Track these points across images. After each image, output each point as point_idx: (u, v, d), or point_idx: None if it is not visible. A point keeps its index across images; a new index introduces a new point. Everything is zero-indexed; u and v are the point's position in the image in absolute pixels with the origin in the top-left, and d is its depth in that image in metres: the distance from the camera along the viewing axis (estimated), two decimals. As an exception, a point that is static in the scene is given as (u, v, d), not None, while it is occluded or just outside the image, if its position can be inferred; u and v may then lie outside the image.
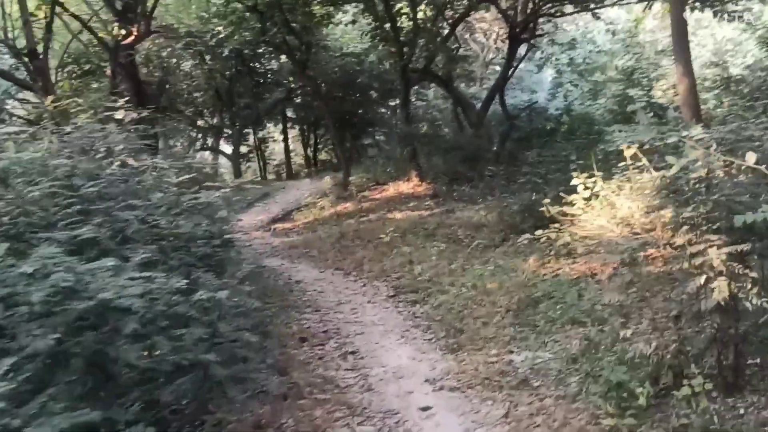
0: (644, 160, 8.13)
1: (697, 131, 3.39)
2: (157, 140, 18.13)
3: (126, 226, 4.54)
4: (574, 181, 8.35)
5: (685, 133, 3.48)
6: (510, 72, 19.26)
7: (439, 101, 25.94)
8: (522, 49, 20.96)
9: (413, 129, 18.06)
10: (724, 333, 3.98)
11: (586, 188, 8.27)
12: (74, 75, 23.30)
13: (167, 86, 25.87)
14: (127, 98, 17.35)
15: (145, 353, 3.54)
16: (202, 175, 7.81)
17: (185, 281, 3.81)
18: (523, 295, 6.80)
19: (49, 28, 13.38)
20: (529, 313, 6.35)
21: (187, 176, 6.99)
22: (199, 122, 28.78)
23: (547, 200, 8.63)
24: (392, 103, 27.57)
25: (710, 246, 3.89)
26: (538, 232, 8.01)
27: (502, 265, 8.31)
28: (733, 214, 3.74)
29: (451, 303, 7.18)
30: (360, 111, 26.30)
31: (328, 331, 6.84)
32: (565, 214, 8.44)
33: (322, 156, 31.39)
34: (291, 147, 31.88)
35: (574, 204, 8.32)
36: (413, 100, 26.94)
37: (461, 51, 23.55)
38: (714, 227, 3.91)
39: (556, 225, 8.38)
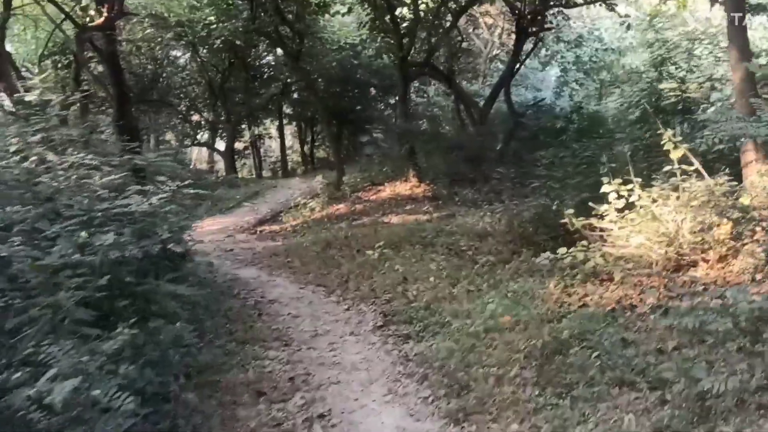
0: (696, 164, 6.47)
1: None
2: (137, 133, 16.42)
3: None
4: (605, 188, 6.67)
5: None
6: (516, 67, 17.52)
7: (439, 98, 24.23)
8: (529, 45, 19.29)
9: (412, 126, 16.36)
10: None
11: (620, 197, 6.59)
12: (59, 65, 21.64)
13: (161, 79, 24.20)
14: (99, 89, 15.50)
15: None
16: (141, 173, 6.10)
17: None
18: (546, 336, 5.07)
19: (7, 6, 11.64)
20: (558, 365, 4.62)
21: (117, 176, 5.30)
22: (194, 117, 27.07)
23: (569, 210, 6.95)
24: (392, 101, 25.97)
25: None
26: (561, 250, 6.31)
27: (516, 289, 6.57)
28: None
29: (453, 342, 5.46)
30: (358, 107, 24.64)
31: (295, 378, 5.12)
32: (593, 228, 6.76)
33: (320, 153, 29.70)
34: (288, 144, 30.19)
35: (605, 215, 6.63)
36: (413, 96, 25.30)
37: (464, 45, 21.84)
38: None
39: (582, 241, 6.70)
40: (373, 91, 25.38)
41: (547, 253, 6.24)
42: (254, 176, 27.77)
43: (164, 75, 24.48)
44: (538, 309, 5.85)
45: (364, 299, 7.29)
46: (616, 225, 6.44)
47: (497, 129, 18.38)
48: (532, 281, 6.80)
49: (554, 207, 8.04)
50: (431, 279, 7.44)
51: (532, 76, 27.22)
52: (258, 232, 13.94)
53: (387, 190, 15.65)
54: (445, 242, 9.40)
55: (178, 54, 26.29)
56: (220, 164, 28.40)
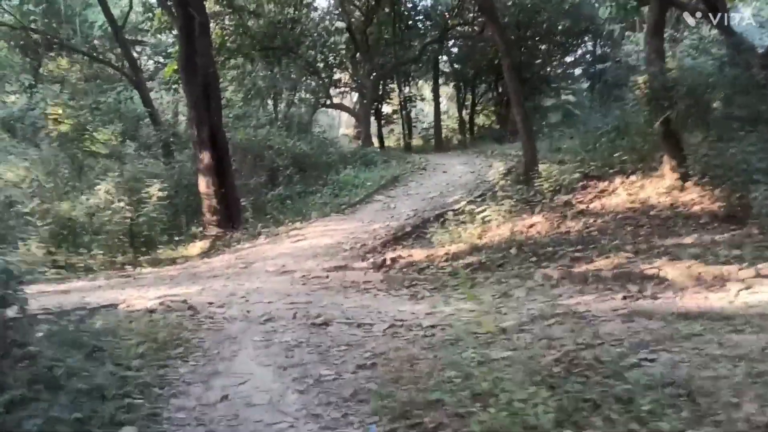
0: None
1: None
2: (215, 81, 9.83)
3: None
4: None
5: None
6: None
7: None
8: None
9: (670, 81, 8.10)
10: None
11: None
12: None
13: (293, 25, 17.46)
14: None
15: None
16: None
17: None
18: None
19: None
20: None
21: None
22: (335, 74, 20.21)
23: None
24: (572, 56, 17.55)
25: None
26: None
27: None
28: None
29: None
30: (538, 61, 16.52)
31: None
32: None
33: (480, 120, 21.87)
34: (443, 108, 22.65)
35: None
36: (606, 50, 16.84)
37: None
38: None
39: None
40: (556, 43, 17.12)
41: None
42: (401, 145, 20.71)
43: (301, 21, 17.69)
44: None
45: None
46: None
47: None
48: None
49: None
50: None
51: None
52: (387, 265, 6.76)
53: (621, 193, 7.77)
54: None
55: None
56: (374, 129, 20.99)
